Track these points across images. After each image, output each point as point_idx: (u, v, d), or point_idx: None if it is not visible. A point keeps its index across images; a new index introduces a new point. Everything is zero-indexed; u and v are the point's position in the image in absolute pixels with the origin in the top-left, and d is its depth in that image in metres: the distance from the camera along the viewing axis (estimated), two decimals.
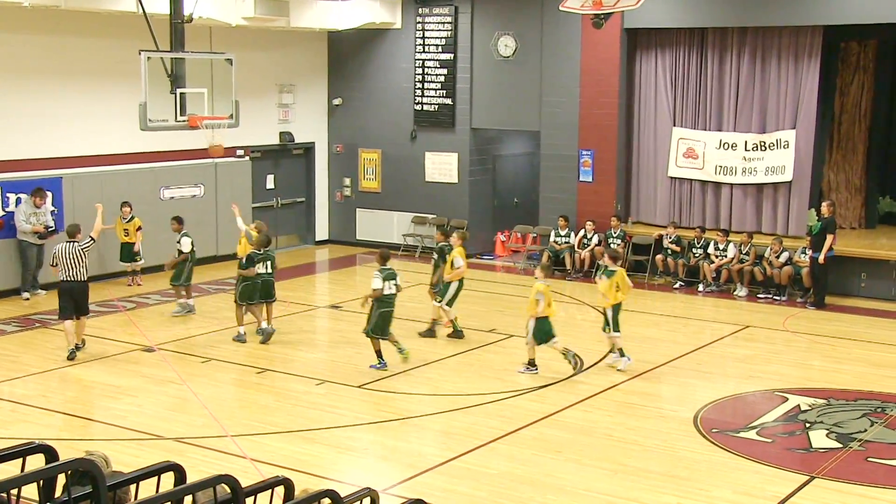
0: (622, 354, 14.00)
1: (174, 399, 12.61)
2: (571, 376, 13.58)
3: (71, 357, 14.00)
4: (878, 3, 17.77)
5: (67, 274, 14.06)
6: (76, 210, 17.93)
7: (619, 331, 13.98)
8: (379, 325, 13.80)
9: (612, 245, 20.04)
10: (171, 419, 11.81)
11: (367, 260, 21.86)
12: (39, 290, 17.79)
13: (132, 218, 18.71)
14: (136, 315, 16.78)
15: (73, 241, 14.13)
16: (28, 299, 17.53)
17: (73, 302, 14.12)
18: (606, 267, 14.16)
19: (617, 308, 13.96)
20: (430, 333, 15.57)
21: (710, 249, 19.29)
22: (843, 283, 18.45)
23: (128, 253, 18.89)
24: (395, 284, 13.89)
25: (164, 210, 19.59)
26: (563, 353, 13.82)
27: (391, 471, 10.42)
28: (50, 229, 17.64)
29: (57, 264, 14.11)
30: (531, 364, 13.76)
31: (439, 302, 15.52)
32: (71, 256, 14.00)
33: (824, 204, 18.27)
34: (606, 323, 14.06)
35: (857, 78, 20.81)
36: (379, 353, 13.85)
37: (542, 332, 13.66)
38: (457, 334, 15.54)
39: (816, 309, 17.73)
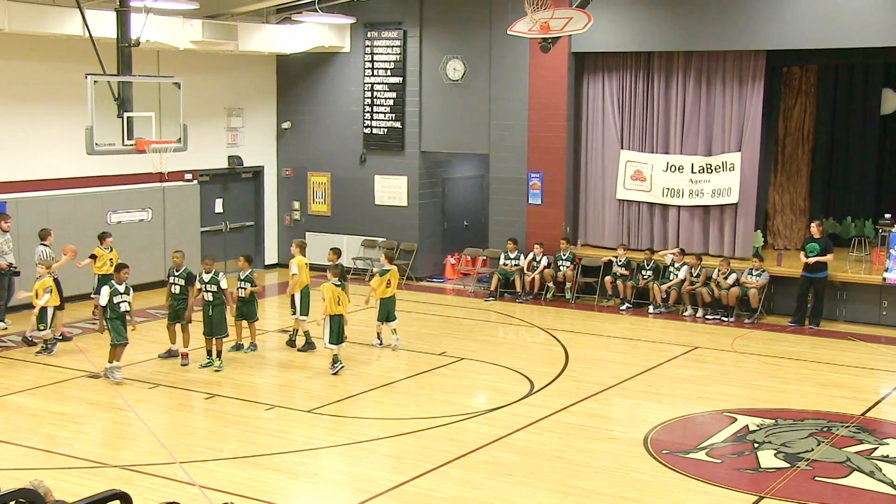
0: (379, 336, 16.43)
1: (121, 426, 12.45)
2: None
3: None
4: (819, 29, 18.09)
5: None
6: (21, 235, 17.64)
7: (382, 321, 16.31)
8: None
9: (560, 267, 20.21)
10: (117, 446, 11.66)
11: (316, 284, 21.75)
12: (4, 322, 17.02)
13: (111, 249, 17.66)
14: (82, 340, 16.54)
15: (45, 245, 16.38)
16: (6, 328, 17.02)
17: None
18: (382, 266, 16.52)
19: (387, 301, 16.17)
20: (308, 346, 16.21)
21: (668, 261, 19.43)
22: (789, 304, 18.66)
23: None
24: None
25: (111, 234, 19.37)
26: (336, 360, 14.82)
27: (341, 496, 10.35)
28: (13, 268, 16.97)
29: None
30: (335, 361, 14.85)
31: (295, 315, 16.37)
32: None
33: (813, 224, 18.49)
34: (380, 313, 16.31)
35: (799, 101, 21.14)
36: (209, 353, 15.08)
37: (333, 331, 14.71)
38: (309, 346, 16.23)
39: (816, 328, 18.05)
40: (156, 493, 9.85)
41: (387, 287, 16.20)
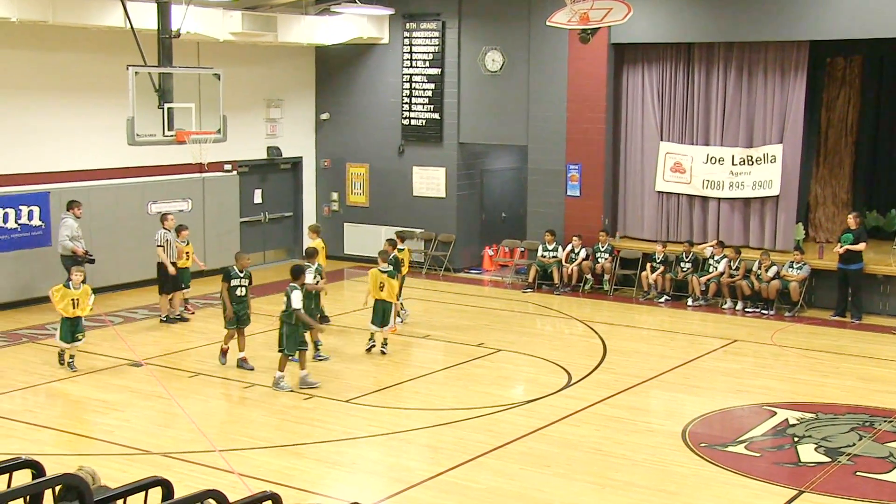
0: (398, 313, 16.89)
1: (161, 414, 12.57)
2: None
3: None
4: (863, 19, 17.87)
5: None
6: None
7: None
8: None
9: (599, 259, 20.16)
10: (158, 434, 11.76)
11: (354, 275, 21.87)
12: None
13: (188, 242, 17.63)
14: (124, 329, 16.73)
15: (166, 229, 17.15)
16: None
17: None
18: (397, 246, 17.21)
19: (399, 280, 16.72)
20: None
21: (707, 253, 19.32)
22: (830, 297, 18.49)
23: (185, 278, 17.60)
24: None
25: (151, 225, 19.51)
26: (371, 337, 15.43)
27: (379, 485, 10.39)
28: (89, 255, 16.93)
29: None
30: (371, 339, 15.49)
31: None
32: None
33: (851, 216, 18.31)
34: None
35: (842, 93, 20.92)
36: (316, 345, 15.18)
37: (377, 314, 15.25)
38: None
39: (858, 322, 17.88)
40: (195, 480, 9.92)
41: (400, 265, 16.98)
